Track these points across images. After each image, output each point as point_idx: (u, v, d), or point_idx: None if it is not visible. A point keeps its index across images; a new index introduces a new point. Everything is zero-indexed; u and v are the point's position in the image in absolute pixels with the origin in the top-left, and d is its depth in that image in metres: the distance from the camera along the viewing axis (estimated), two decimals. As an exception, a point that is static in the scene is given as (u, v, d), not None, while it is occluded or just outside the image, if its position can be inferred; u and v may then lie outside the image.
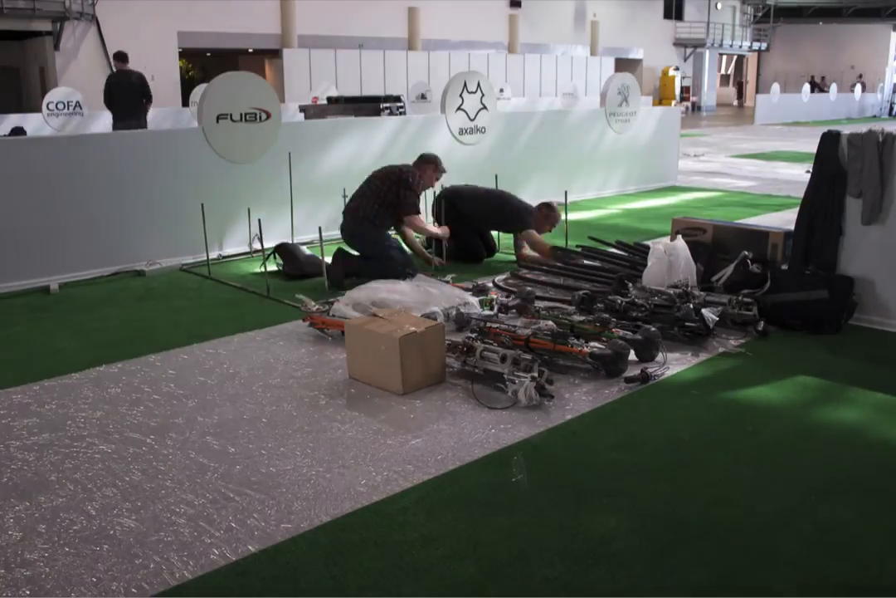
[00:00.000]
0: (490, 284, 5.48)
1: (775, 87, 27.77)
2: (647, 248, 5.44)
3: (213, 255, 6.39)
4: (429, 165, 6.06)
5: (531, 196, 7.19)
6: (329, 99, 14.18)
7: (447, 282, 5.32)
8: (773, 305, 4.66)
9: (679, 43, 38.33)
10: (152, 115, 12.02)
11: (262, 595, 2.39)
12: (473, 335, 4.09)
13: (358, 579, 2.44)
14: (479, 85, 8.34)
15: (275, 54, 23.96)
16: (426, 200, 6.56)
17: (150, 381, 4.00)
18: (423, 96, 19.62)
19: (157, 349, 4.43)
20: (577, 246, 6.36)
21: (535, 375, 3.65)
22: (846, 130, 4.77)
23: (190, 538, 2.65)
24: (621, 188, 10.26)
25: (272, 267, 5.95)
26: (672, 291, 4.72)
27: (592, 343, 4.07)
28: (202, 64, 27.76)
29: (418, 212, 5.89)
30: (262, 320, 4.92)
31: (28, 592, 2.38)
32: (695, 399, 3.77)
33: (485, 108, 8.38)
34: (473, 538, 2.64)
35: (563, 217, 6.38)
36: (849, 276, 4.70)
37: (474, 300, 4.81)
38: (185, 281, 5.91)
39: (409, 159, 6.12)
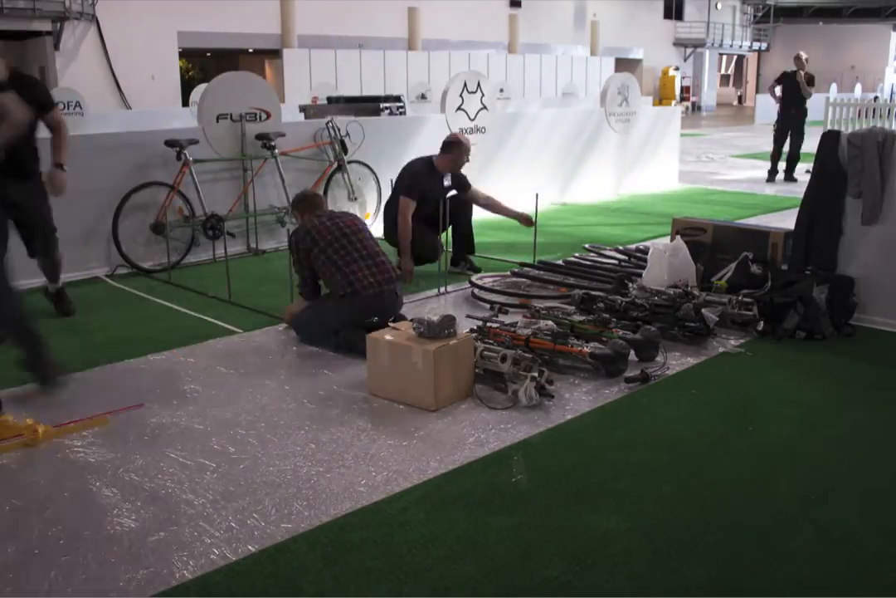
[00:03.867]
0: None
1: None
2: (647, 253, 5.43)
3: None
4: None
5: (525, 195, 7.01)
6: (329, 99, 14.16)
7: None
8: (772, 307, 4.66)
9: (679, 43, 38.30)
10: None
11: (262, 595, 2.39)
12: (473, 335, 4.09)
13: (358, 579, 2.44)
14: (479, 85, 8.34)
15: (275, 54, 23.95)
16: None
17: (150, 380, 4.00)
18: (423, 96, 19.62)
19: (157, 349, 4.42)
20: (576, 255, 6.26)
21: (535, 375, 3.65)
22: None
23: (190, 538, 2.65)
24: (621, 188, 10.25)
25: None
26: (672, 292, 4.72)
27: (592, 343, 4.07)
28: (202, 64, 27.75)
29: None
30: (260, 319, 4.92)
31: (27, 592, 2.38)
32: (695, 399, 3.77)
33: (485, 108, 8.38)
34: (473, 538, 2.64)
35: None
36: (849, 276, 4.70)
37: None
38: (186, 281, 5.91)
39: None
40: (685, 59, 38.74)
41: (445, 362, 3.60)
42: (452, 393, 3.67)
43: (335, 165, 7.27)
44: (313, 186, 7.12)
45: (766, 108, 26.76)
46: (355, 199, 7.46)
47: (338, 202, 7.36)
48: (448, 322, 3.67)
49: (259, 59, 25.96)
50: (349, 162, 7.34)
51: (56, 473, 3.08)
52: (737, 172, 12.95)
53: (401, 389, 3.68)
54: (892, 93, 28.88)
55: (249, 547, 2.60)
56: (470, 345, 3.80)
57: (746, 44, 42.74)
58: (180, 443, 3.32)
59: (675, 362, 4.18)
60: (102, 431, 3.43)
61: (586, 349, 3.99)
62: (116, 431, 3.43)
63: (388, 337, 3.72)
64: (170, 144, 6.15)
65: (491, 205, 6.17)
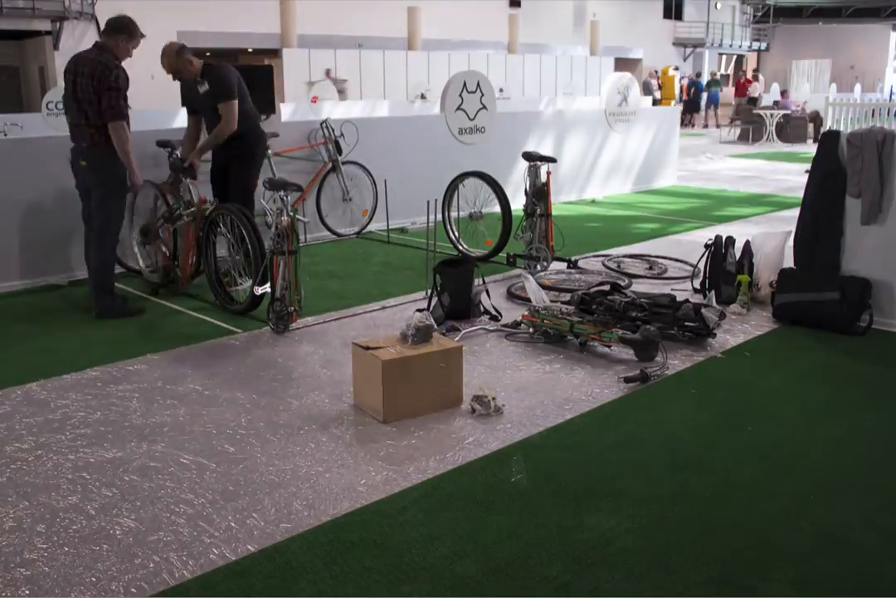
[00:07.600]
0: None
1: (775, 87, 27.75)
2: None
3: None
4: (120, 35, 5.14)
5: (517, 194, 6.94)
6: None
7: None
8: (784, 304, 4.67)
9: (679, 43, 38.30)
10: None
11: (262, 595, 2.38)
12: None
13: (358, 579, 2.44)
14: (478, 85, 8.34)
15: (274, 54, 23.95)
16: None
17: (150, 380, 3.99)
18: (422, 96, 19.61)
19: (157, 349, 4.42)
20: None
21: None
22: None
23: (189, 537, 2.64)
24: (620, 188, 10.25)
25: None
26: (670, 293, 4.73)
27: (622, 331, 4.21)
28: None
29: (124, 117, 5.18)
30: (254, 321, 4.92)
31: (27, 592, 2.38)
32: (695, 399, 3.77)
33: (484, 107, 8.37)
34: (473, 538, 2.64)
35: None
36: (864, 277, 4.67)
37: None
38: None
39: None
40: (685, 59, 38.72)
41: (397, 374, 3.46)
42: (408, 408, 3.51)
43: (329, 166, 7.26)
44: (307, 187, 7.12)
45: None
46: (350, 199, 7.46)
47: (332, 203, 7.36)
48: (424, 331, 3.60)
49: (259, 58, 25.95)
50: (343, 163, 7.32)
51: (59, 472, 3.09)
52: (735, 171, 12.93)
53: (364, 396, 3.62)
54: (891, 93, 28.88)
55: (249, 547, 2.59)
56: (435, 359, 3.55)
57: (746, 44, 42.72)
58: (180, 443, 3.32)
59: (675, 362, 4.18)
60: (101, 431, 3.43)
61: (619, 331, 4.17)
62: (116, 431, 3.43)
63: (364, 343, 3.63)
64: (161, 144, 6.10)
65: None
